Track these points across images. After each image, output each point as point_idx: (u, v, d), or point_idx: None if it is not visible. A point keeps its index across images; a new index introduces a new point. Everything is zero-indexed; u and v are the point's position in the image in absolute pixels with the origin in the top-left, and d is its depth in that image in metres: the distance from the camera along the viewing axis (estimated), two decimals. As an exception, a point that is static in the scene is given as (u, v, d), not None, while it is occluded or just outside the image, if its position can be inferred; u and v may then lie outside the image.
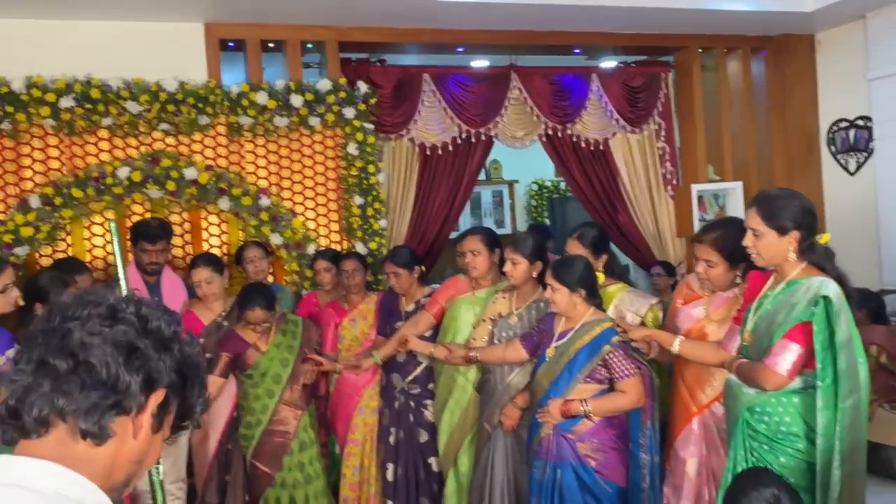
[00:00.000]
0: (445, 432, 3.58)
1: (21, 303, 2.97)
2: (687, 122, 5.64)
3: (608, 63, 5.64)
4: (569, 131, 5.28)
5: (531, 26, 4.96)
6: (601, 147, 5.38)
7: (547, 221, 8.17)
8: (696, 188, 5.50)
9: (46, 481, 0.91)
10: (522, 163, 7.65)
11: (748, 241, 2.46)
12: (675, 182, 5.63)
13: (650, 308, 3.22)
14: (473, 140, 5.07)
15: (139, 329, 1.00)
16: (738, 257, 2.76)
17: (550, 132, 5.24)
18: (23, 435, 0.95)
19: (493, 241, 3.58)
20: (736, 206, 5.50)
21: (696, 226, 5.38)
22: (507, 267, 3.28)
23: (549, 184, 8.32)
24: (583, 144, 5.32)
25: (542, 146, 5.34)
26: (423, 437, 3.74)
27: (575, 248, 3.29)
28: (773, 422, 2.42)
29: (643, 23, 5.02)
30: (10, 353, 2.85)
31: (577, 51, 5.43)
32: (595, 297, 2.96)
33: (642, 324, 3.16)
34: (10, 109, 3.82)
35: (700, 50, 5.57)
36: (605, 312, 3.07)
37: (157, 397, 1.01)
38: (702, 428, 3.02)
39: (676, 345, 2.84)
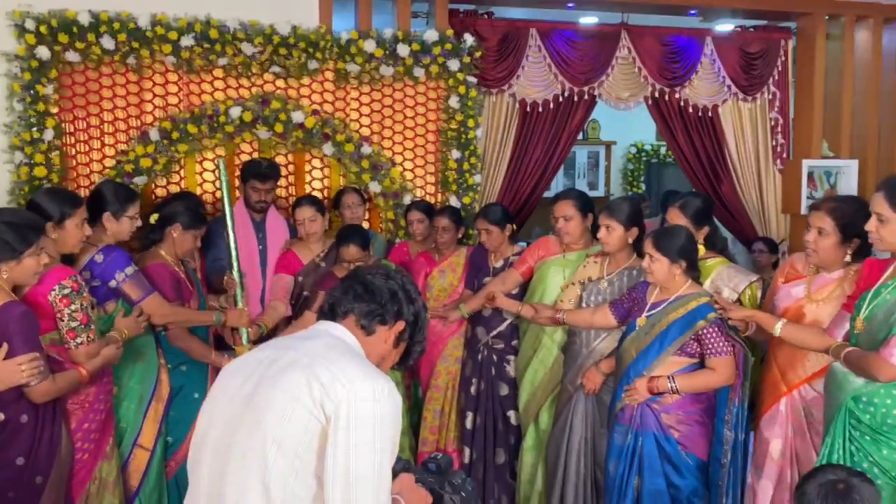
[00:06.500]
0: (527, 390, 3.64)
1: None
2: (804, 92, 5.33)
3: (724, 26, 5.39)
4: (677, 95, 5.11)
5: (645, -16, 4.80)
6: (709, 114, 5.19)
7: (643, 186, 7.99)
8: (807, 163, 5.23)
9: (343, 336, 1.77)
10: (622, 124, 7.47)
11: (871, 225, 2.40)
12: (785, 155, 5.37)
13: (749, 285, 3.13)
14: (576, 99, 4.97)
15: (400, 286, 1.82)
16: (851, 232, 2.71)
17: (657, 95, 5.08)
18: (333, 318, 1.81)
19: (587, 206, 3.56)
20: (848, 185, 5.21)
21: (804, 203, 5.13)
22: (602, 233, 3.25)
23: (648, 148, 8.10)
24: (690, 110, 5.14)
25: (647, 109, 5.20)
26: (504, 390, 3.82)
27: (676, 217, 3.23)
28: (879, 413, 2.36)
29: (767, -14, 4.76)
30: (129, 270, 3.05)
31: (692, 12, 5.20)
32: (694, 270, 2.91)
33: (738, 300, 3.08)
34: (135, 45, 4.00)
35: (826, 17, 5.23)
36: (702, 286, 3.02)
37: (400, 325, 1.81)
38: (789, 409, 2.96)
39: (778, 328, 2.75)
